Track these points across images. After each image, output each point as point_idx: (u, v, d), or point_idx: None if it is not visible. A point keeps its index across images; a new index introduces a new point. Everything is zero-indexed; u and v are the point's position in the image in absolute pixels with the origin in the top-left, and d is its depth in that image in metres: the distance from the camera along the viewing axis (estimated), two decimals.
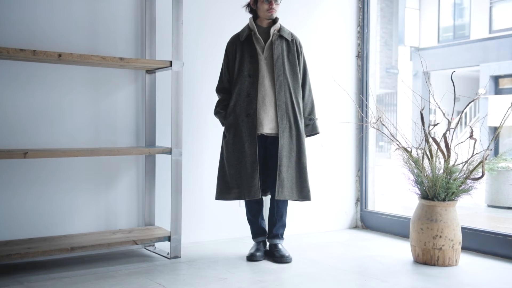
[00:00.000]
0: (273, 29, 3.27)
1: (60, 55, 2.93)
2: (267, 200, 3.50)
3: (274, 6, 3.22)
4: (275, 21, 3.29)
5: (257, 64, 3.23)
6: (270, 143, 3.26)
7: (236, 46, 3.29)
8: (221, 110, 3.31)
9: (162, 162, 3.60)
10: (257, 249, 3.33)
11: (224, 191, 3.26)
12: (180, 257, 3.31)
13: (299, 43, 3.37)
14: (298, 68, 3.31)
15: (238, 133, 3.21)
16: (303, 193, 3.25)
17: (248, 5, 3.33)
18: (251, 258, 3.29)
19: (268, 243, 3.40)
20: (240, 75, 3.24)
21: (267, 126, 3.21)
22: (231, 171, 3.23)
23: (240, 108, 3.21)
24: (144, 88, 3.56)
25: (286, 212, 3.37)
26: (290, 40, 3.31)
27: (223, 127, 3.33)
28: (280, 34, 3.28)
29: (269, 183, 3.32)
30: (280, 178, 3.17)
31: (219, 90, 3.36)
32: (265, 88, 3.22)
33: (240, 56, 3.26)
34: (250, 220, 3.40)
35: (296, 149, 3.24)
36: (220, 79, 3.36)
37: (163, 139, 3.59)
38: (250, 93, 3.21)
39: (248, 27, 3.31)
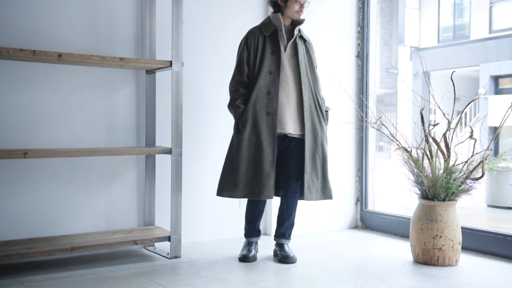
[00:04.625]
0: (297, 28, 3.26)
1: (60, 55, 2.93)
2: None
3: (304, 7, 3.25)
4: (299, 21, 3.27)
5: (279, 62, 3.19)
6: (289, 143, 3.24)
7: (258, 39, 3.21)
8: (241, 105, 3.19)
9: (162, 162, 3.60)
10: (249, 250, 3.31)
11: (231, 188, 3.17)
12: (180, 257, 3.31)
13: (312, 45, 3.39)
14: (315, 69, 3.33)
15: (256, 130, 3.15)
16: (326, 193, 3.26)
17: (273, 1, 3.25)
18: (243, 259, 3.27)
19: (274, 242, 3.39)
20: (261, 71, 3.17)
21: (291, 127, 3.19)
22: (242, 168, 3.16)
23: (260, 106, 3.16)
24: (144, 88, 3.56)
25: (295, 212, 3.36)
26: (307, 41, 3.33)
27: (236, 121, 3.22)
28: (300, 34, 3.28)
29: (281, 183, 3.30)
30: (307, 180, 3.17)
31: (237, 83, 3.23)
32: (289, 88, 3.20)
33: (261, 50, 3.20)
34: (249, 220, 3.37)
35: (321, 150, 3.24)
36: (239, 72, 3.23)
37: (163, 139, 3.59)
38: (271, 91, 3.17)
39: (270, 22, 3.24)
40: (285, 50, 3.23)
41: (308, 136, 3.20)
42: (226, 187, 3.20)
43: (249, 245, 3.35)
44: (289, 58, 3.23)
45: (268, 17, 3.28)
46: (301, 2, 3.21)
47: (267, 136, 3.15)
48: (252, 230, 3.37)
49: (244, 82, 3.22)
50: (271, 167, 3.14)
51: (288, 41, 3.24)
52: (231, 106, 3.22)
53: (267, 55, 3.19)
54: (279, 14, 3.21)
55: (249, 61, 3.21)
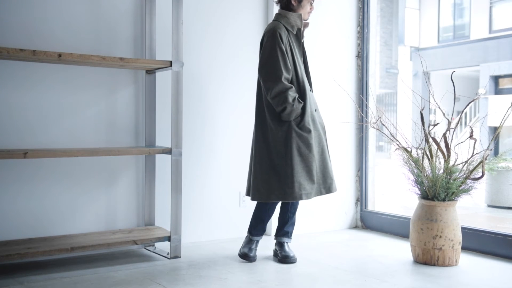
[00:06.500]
0: (305, 30, 3.30)
1: (60, 55, 2.93)
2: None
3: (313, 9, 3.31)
4: (305, 23, 3.28)
5: (302, 60, 3.25)
6: None
7: (288, 37, 3.17)
8: (301, 101, 3.10)
9: (162, 162, 3.60)
10: (250, 249, 3.29)
11: (309, 188, 3.09)
12: (180, 257, 3.31)
13: None
14: None
15: (316, 126, 3.19)
16: None
17: (285, 1, 3.22)
18: (244, 257, 3.26)
19: (275, 241, 3.39)
20: (300, 68, 3.19)
21: None
22: (315, 165, 3.12)
23: (310, 102, 3.18)
24: (144, 88, 3.56)
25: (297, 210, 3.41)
26: None
27: (294, 118, 3.08)
28: None
29: None
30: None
31: (286, 79, 3.08)
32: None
33: (292, 48, 3.18)
34: (260, 218, 3.30)
35: None
36: (285, 67, 3.07)
37: (163, 139, 3.58)
38: (311, 89, 3.26)
39: (292, 21, 3.19)
40: None
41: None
42: (304, 189, 3.08)
43: (251, 243, 3.31)
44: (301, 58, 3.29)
45: (283, 16, 3.20)
46: (312, 3, 3.26)
47: (322, 132, 3.24)
48: (260, 228, 3.31)
49: (289, 79, 3.11)
50: (330, 161, 3.27)
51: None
52: (291, 103, 3.04)
53: (297, 53, 3.20)
54: (301, 14, 3.21)
55: (288, 57, 3.13)
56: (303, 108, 3.11)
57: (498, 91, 14.71)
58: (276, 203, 3.32)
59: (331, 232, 4.24)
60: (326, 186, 3.19)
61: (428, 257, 3.23)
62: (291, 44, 3.17)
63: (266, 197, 3.13)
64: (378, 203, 4.57)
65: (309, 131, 3.12)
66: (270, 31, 3.13)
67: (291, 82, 3.13)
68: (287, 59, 3.10)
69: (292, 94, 3.06)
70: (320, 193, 3.17)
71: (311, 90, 3.27)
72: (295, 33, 3.21)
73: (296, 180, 3.06)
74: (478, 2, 15.65)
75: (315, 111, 3.23)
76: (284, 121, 3.10)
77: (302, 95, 3.14)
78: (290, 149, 3.08)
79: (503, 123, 3.23)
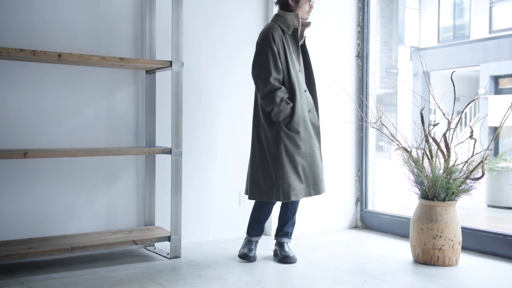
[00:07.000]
0: (306, 30, 3.29)
1: (60, 55, 2.93)
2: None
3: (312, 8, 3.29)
4: (305, 22, 3.27)
5: (299, 60, 3.24)
6: None
7: (282, 37, 3.17)
8: (290, 102, 3.10)
9: (162, 162, 3.60)
10: (250, 249, 3.29)
11: (298, 188, 3.11)
12: (180, 257, 3.31)
13: None
14: None
15: (306, 127, 3.18)
16: None
17: (283, 1, 3.22)
18: (244, 257, 3.27)
19: (275, 241, 3.39)
20: (294, 69, 3.17)
21: None
22: (301, 166, 3.14)
23: (303, 103, 3.17)
24: (144, 88, 3.56)
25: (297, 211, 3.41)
26: None
27: (283, 119, 3.10)
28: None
29: None
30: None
31: (275, 80, 3.10)
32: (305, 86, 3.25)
33: (287, 48, 3.17)
34: (258, 219, 3.32)
35: None
36: (275, 68, 3.10)
37: (163, 139, 3.58)
38: (306, 89, 3.24)
39: (288, 21, 3.19)
40: None
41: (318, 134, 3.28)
42: (293, 189, 3.10)
43: (250, 243, 3.32)
44: (300, 58, 3.27)
45: (280, 16, 3.21)
46: (311, 2, 3.25)
47: (314, 133, 3.23)
48: (258, 229, 3.33)
49: (280, 80, 3.13)
50: (322, 162, 3.26)
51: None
52: (278, 103, 3.07)
53: (292, 54, 3.19)
54: (298, 14, 3.20)
55: (280, 57, 3.13)
56: (292, 109, 3.11)
57: (498, 91, 14.71)
58: (273, 204, 3.33)
59: (331, 232, 4.24)
60: (315, 188, 3.20)
61: (428, 257, 3.23)
62: (286, 44, 3.17)
63: (263, 197, 3.17)
64: (378, 203, 4.57)
65: (297, 132, 3.12)
66: (263, 32, 3.19)
67: (282, 83, 3.14)
68: (278, 60, 3.12)
69: (280, 94, 3.08)
70: (309, 194, 3.18)
71: (307, 90, 3.24)
72: (290, 33, 3.21)
73: (286, 181, 3.10)
74: (478, 2, 15.65)
75: (309, 112, 3.20)
76: (274, 121, 3.13)
77: (292, 96, 3.13)
78: (280, 149, 3.11)
79: (503, 123, 3.23)
